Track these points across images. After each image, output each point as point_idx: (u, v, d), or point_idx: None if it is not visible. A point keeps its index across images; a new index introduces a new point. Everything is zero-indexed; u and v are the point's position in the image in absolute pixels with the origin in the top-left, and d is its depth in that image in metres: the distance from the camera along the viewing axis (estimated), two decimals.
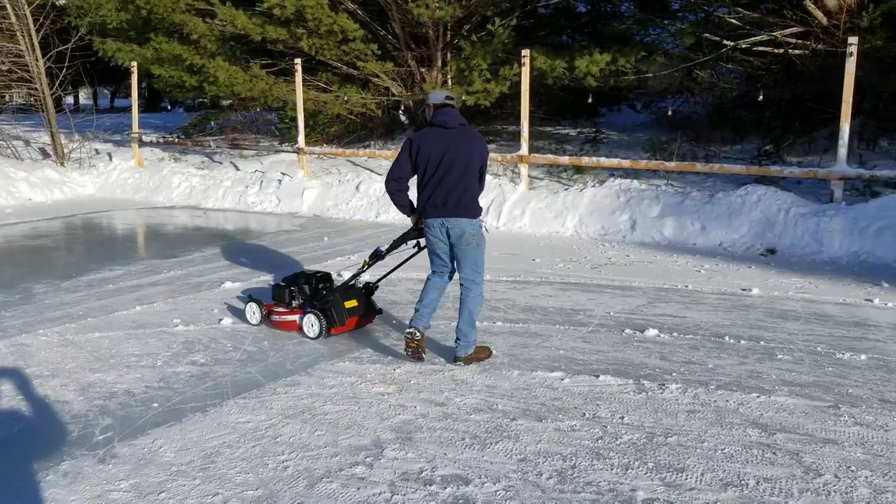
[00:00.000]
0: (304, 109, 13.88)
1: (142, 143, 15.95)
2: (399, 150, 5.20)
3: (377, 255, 5.83)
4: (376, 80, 14.62)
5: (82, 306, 6.74)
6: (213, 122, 19.83)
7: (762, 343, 5.69)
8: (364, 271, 6.00)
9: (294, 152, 13.93)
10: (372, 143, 17.04)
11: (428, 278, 5.34)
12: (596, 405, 4.56)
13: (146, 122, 23.46)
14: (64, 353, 5.49)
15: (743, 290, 7.31)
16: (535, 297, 7.06)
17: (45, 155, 16.44)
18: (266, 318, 6.08)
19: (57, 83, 16.33)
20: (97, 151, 16.78)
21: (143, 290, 7.31)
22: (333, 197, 12.70)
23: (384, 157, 13.56)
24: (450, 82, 14.14)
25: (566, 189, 11.18)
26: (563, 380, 4.95)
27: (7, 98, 16.67)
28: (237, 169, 14.89)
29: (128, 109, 17.80)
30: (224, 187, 13.88)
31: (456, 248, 5.14)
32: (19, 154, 16.08)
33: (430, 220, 5.14)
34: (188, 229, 11.44)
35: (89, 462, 3.84)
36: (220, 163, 15.92)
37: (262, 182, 13.61)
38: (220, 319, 6.31)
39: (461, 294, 5.22)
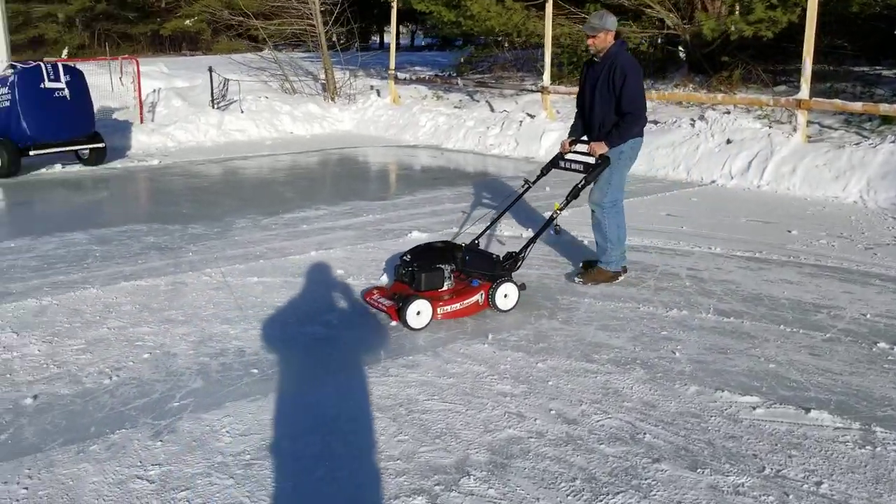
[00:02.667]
0: (563, 45, 12.78)
1: (397, 81, 15.93)
2: (638, 77, 5.04)
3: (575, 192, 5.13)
4: (649, 10, 13.02)
5: (263, 247, 6.53)
6: (472, 61, 19.48)
7: None
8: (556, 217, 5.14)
9: (538, 91, 12.92)
10: None
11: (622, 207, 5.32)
12: (788, 456, 3.19)
13: (432, 61, 23.87)
14: (212, 296, 5.23)
15: None
16: (768, 282, 5.51)
17: (321, 90, 17.11)
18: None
19: (331, 20, 16.85)
20: (372, 87, 17.10)
21: (330, 234, 6.96)
22: None
23: (660, 98, 12.03)
24: (737, 10, 12.05)
25: (857, 145, 8.93)
26: (755, 409, 3.59)
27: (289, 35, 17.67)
28: (492, 109, 14.24)
29: (425, 48, 18.20)
30: (466, 128, 13.36)
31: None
32: (294, 88, 16.95)
33: (642, 139, 5.20)
34: (415, 170, 11.10)
35: (142, 435, 3.40)
36: (478, 101, 15.40)
37: (503, 123, 12.86)
38: (383, 274, 5.69)
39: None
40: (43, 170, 10.61)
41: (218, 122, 13.97)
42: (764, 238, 6.70)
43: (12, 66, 10.04)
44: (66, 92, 10.02)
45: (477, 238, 5.24)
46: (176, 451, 3.27)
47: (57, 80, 9.93)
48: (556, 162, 5.42)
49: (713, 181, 9.35)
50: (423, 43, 39.64)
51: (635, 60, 5.22)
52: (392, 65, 15.81)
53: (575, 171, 5.28)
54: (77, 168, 10.82)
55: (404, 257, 4.77)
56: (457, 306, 4.69)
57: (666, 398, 3.73)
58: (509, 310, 4.84)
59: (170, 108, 15.05)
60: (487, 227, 5.59)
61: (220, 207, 8.20)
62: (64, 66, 10.24)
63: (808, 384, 3.86)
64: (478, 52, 20.68)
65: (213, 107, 14.63)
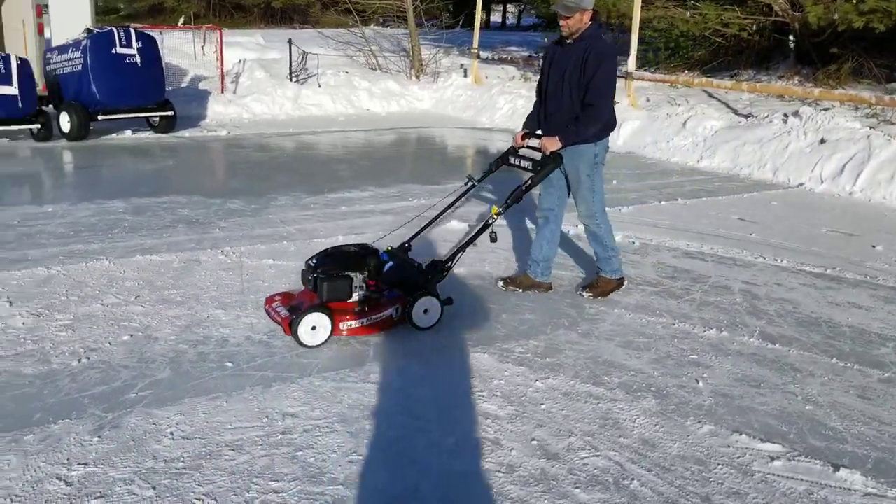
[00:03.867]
0: (658, 29, 12.01)
1: (481, 60, 15.44)
2: (612, 67, 4.44)
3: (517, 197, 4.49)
4: None
5: (294, 227, 6.28)
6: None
7: None
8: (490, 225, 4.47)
9: (622, 77, 12.17)
10: (739, 71, 14.49)
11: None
12: None
13: (531, 41, 23.19)
14: (219, 277, 4.99)
15: None
16: (832, 304, 4.83)
17: (405, 68, 16.79)
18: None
19: None
20: (462, 66, 16.67)
21: (368, 218, 6.64)
22: (654, 132, 10.84)
23: (752, 90, 11.16)
24: None
25: None
26: (773, 460, 3.04)
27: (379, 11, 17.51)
28: None
29: (530, 28, 17.82)
30: None
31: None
32: (379, 65, 16.72)
33: (609, 137, 4.62)
34: (478, 155, 10.64)
35: (83, 428, 3.16)
36: None
37: None
38: None
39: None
40: (113, 135, 10.75)
41: (294, 96, 13.89)
42: (842, 252, 5.96)
43: (88, 31, 10.15)
44: (137, 58, 10.06)
45: (408, 241, 4.65)
46: (109, 450, 3.01)
47: (129, 46, 9.99)
48: (506, 158, 4.74)
49: (801, 184, 8.51)
50: (530, 22, 38.90)
51: (613, 47, 4.67)
52: (475, 43, 15.33)
53: (525, 169, 4.64)
54: (146, 135, 10.91)
55: (309, 261, 4.14)
56: (363, 321, 4.04)
57: (671, 437, 3.21)
58: (430, 327, 4.19)
59: (252, 79, 15.08)
60: (421, 230, 4.82)
61: (268, 183, 8.02)
62: (137, 32, 10.29)
63: (846, 434, 3.25)
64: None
65: (291, 80, 14.55)
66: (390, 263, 4.34)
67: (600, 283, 4.87)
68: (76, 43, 9.96)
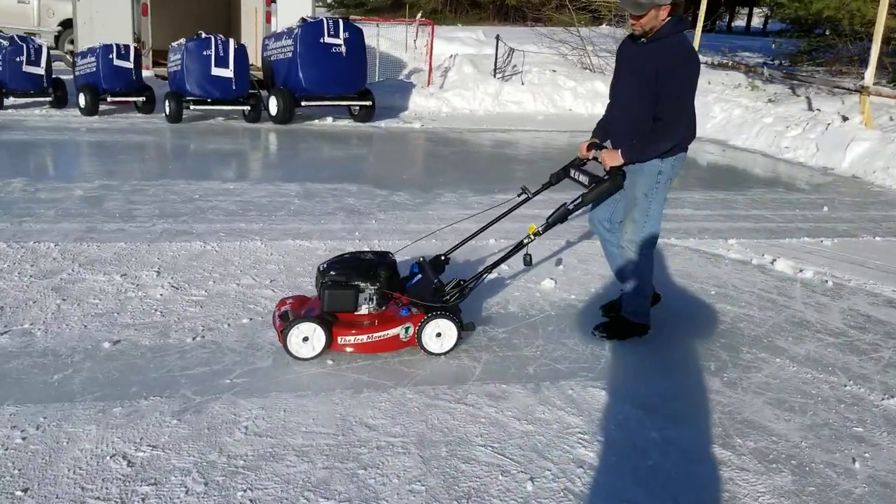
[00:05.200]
0: None
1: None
2: (690, 75, 3.67)
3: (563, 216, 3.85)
4: None
5: (446, 226, 6.10)
6: (809, 51, 17.04)
7: None
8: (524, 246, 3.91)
9: (856, 91, 10.78)
10: None
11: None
12: None
13: (768, 48, 21.50)
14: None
15: None
16: None
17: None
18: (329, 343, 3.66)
19: None
20: None
21: (518, 224, 6.31)
22: (888, 157, 9.46)
23: None
24: None
25: None
26: None
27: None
28: (809, 108, 12.25)
29: (778, 34, 16.76)
30: (762, 124, 11.66)
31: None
32: (591, 65, 16.22)
33: (684, 155, 3.88)
34: None
35: (169, 407, 3.18)
36: (798, 96, 13.40)
37: (806, 124, 10.98)
38: (544, 279, 4.97)
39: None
40: (315, 121, 11.25)
41: (496, 92, 13.80)
42: None
43: (303, 20, 10.68)
44: (343, 48, 10.42)
45: (445, 254, 4.12)
46: (182, 435, 2.98)
47: (336, 36, 10.37)
48: (567, 170, 4.08)
49: None
50: (777, 28, 36.04)
51: (693, 48, 3.80)
52: (695, 46, 14.33)
53: (583, 185, 3.96)
54: (345, 123, 11.31)
55: (321, 266, 3.83)
56: (363, 338, 3.66)
57: None
58: (444, 353, 3.74)
59: (460, 73, 15.22)
60: (463, 242, 4.25)
61: (439, 178, 7.95)
62: (345, 23, 10.66)
63: None
64: (812, 41, 18.10)
65: (495, 76, 14.47)
66: (418, 276, 3.97)
67: (617, 324, 4.13)
68: (289, 31, 10.51)
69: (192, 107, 10.27)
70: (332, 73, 10.38)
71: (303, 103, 10.56)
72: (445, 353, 3.74)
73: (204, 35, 10.15)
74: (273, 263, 4.95)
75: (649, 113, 3.68)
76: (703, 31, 16.50)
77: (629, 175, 3.82)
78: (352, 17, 13.72)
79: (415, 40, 16.09)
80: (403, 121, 11.90)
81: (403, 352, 3.78)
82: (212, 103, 10.30)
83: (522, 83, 14.20)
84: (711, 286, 5.00)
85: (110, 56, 10.28)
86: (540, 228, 3.88)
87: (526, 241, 3.90)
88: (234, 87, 10.20)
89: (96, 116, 10.61)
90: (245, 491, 2.66)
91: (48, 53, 10.76)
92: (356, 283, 3.68)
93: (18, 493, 2.58)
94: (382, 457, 2.92)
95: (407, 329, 3.70)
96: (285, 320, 3.64)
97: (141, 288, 4.42)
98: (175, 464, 2.80)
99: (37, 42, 10.78)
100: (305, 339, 3.58)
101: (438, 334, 3.71)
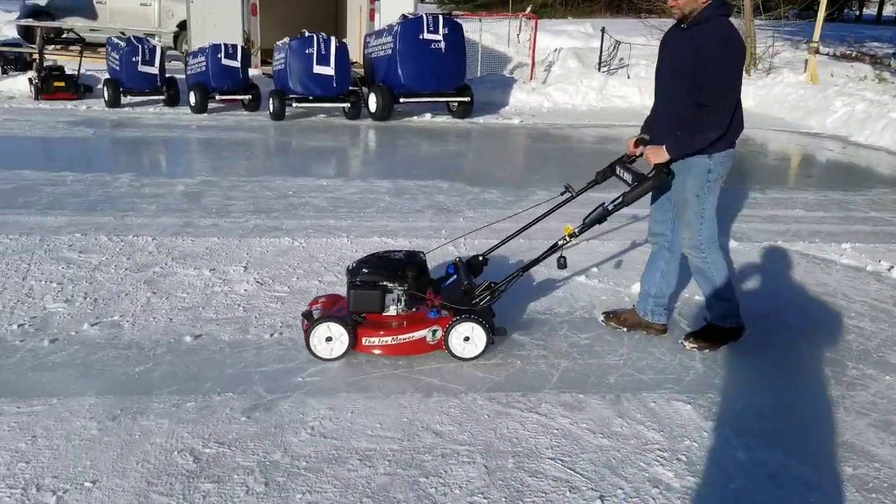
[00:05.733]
0: None
1: (818, 55, 13.59)
2: (734, 58, 3.41)
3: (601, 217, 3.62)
4: None
5: (541, 225, 5.95)
6: None
7: None
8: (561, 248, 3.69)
9: None
10: None
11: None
12: None
13: None
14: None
15: None
16: None
17: None
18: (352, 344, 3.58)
19: None
20: (807, 62, 14.92)
21: (623, 224, 6.09)
22: None
23: None
24: None
25: None
26: None
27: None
28: None
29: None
30: (888, 119, 10.84)
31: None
32: None
33: (733, 151, 3.63)
34: (792, 163, 9.31)
35: (240, 404, 3.20)
36: None
37: None
38: (634, 283, 4.74)
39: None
40: (414, 117, 11.28)
41: (600, 86, 13.45)
42: None
43: (403, 17, 10.72)
44: (442, 44, 10.39)
45: (483, 254, 3.96)
46: (250, 433, 2.99)
47: (435, 31, 10.34)
48: (613, 168, 3.81)
49: None
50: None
51: (736, 32, 3.44)
52: (815, 36, 13.52)
53: (626, 183, 3.66)
54: (443, 119, 11.29)
55: (349, 266, 3.72)
56: (387, 340, 3.55)
57: None
58: (473, 358, 3.57)
59: (564, 68, 14.94)
60: (503, 242, 4.06)
61: (537, 174, 7.80)
62: (445, 18, 10.62)
63: None
64: None
65: (599, 70, 14.11)
66: (453, 277, 3.80)
67: (708, 332, 3.86)
68: (389, 28, 10.57)
69: (294, 104, 10.49)
70: (430, 70, 10.37)
71: (401, 100, 10.60)
72: (474, 359, 3.59)
73: (307, 33, 10.34)
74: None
75: (691, 103, 3.43)
76: (828, 21, 15.55)
77: (678, 177, 3.59)
78: (455, 12, 13.69)
79: (518, 35, 15.89)
80: (503, 116, 11.77)
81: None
82: (313, 101, 10.50)
83: (628, 77, 13.78)
84: (819, 294, 4.64)
85: (219, 56, 10.65)
86: (576, 230, 3.69)
87: (561, 242, 3.71)
88: (334, 85, 10.35)
89: (205, 114, 11.02)
90: (304, 494, 2.63)
91: (162, 54, 11.26)
92: (383, 283, 3.60)
93: (87, 484, 2.63)
94: (446, 465, 2.82)
95: (434, 332, 3.58)
96: (310, 319, 3.59)
97: (227, 283, 4.50)
98: (239, 462, 2.80)
99: (151, 43, 11.29)
100: (329, 338, 3.53)
101: (467, 338, 3.57)
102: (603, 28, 14.50)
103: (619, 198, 3.60)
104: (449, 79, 10.64)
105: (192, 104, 10.86)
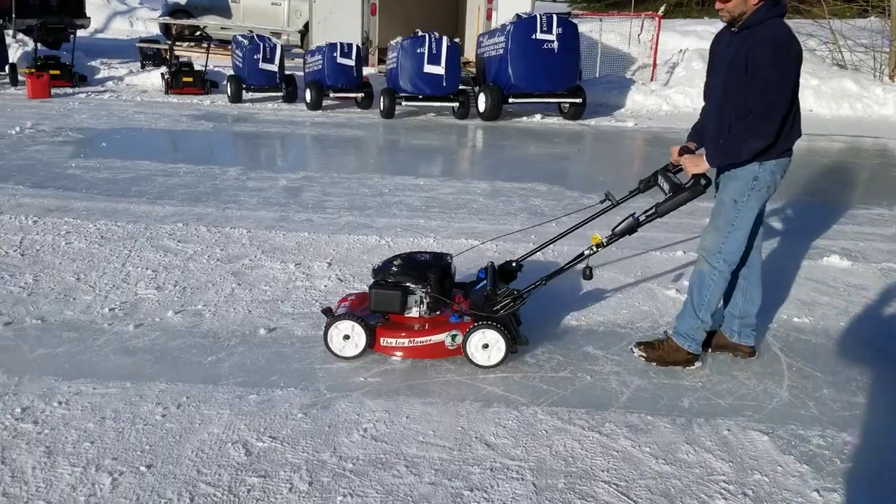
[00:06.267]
0: None
1: None
2: (787, 62, 3.13)
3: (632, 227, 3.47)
4: None
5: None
6: None
7: None
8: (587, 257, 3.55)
9: None
10: None
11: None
12: None
13: None
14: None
15: None
16: None
17: (877, 66, 14.40)
18: (370, 343, 3.56)
19: None
20: None
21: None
22: None
23: None
24: None
25: None
26: None
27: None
28: None
29: None
30: None
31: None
32: (844, 61, 14.61)
33: (787, 161, 3.36)
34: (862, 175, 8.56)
35: (298, 401, 3.22)
36: None
37: None
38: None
39: None
40: (524, 118, 11.16)
41: None
42: None
43: (517, 17, 10.62)
44: (555, 44, 10.23)
45: (517, 260, 3.84)
46: (304, 430, 3.01)
47: (549, 31, 10.19)
48: (656, 176, 3.63)
49: None
50: None
51: (791, 34, 3.10)
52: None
53: (664, 192, 3.43)
54: (553, 120, 11.11)
55: (375, 265, 3.75)
56: (405, 342, 3.50)
57: None
58: (492, 366, 3.46)
59: (689, 69, 14.39)
60: (538, 248, 3.94)
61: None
62: (559, 18, 10.44)
63: None
64: None
65: None
66: (483, 282, 3.68)
67: (665, 347, 3.62)
68: (502, 28, 10.51)
69: (403, 103, 10.61)
70: (541, 70, 10.23)
71: (511, 100, 10.51)
72: (493, 367, 3.48)
73: (420, 33, 10.42)
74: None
75: (741, 110, 3.20)
76: None
77: (724, 180, 3.38)
78: (574, 11, 13.44)
79: (639, 35, 15.43)
80: (616, 119, 11.46)
81: (546, 366, 3.56)
82: (423, 99, 10.57)
83: None
84: None
85: (334, 54, 10.91)
86: (604, 240, 3.52)
87: (587, 252, 3.56)
88: (444, 84, 10.38)
89: (319, 111, 11.33)
90: (345, 496, 2.61)
91: (282, 52, 11.66)
92: (406, 284, 3.58)
93: (143, 468, 2.72)
94: (494, 479, 2.74)
95: (454, 337, 3.51)
96: (329, 316, 3.58)
97: (309, 278, 4.57)
98: (289, 458, 2.82)
99: (272, 41, 11.72)
100: (346, 336, 3.53)
101: (485, 346, 3.47)
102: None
103: (651, 208, 3.45)
104: (561, 79, 10.46)
105: (308, 101, 11.19)
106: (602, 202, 3.73)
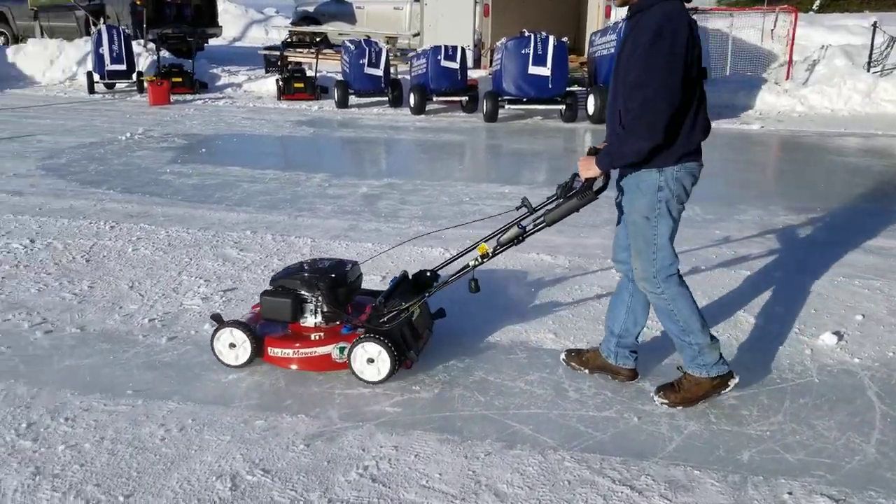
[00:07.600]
0: None
1: None
2: (667, 50, 2.68)
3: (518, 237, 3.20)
4: None
5: (686, 246, 5.21)
6: None
7: None
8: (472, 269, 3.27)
9: None
10: None
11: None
12: None
13: None
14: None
15: None
16: None
17: None
18: (257, 352, 3.40)
19: None
20: None
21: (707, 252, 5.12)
22: None
23: None
24: None
25: None
26: None
27: None
28: None
29: None
30: None
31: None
32: None
33: (694, 165, 2.92)
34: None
35: (304, 431, 3.00)
36: None
37: None
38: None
39: None
40: None
41: (867, 89, 11.66)
42: None
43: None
44: None
45: (431, 270, 3.57)
46: (300, 465, 2.77)
47: None
48: (573, 179, 3.18)
49: None
50: None
51: (676, 22, 2.68)
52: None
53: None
54: None
55: (277, 271, 3.59)
56: (289, 353, 3.33)
57: None
58: (375, 383, 3.23)
59: (829, 67, 13.20)
60: (454, 258, 3.57)
61: (754, 189, 6.90)
62: None
63: None
64: None
65: (869, 70, 12.22)
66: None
67: (684, 385, 3.12)
68: (614, 26, 9.97)
69: (506, 106, 10.27)
70: None
71: None
72: (377, 384, 3.25)
73: (526, 33, 10.05)
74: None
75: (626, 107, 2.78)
76: None
77: (627, 195, 2.98)
78: (700, 7, 12.63)
79: (772, 30, 14.30)
80: (741, 121, 10.62)
81: (590, 403, 3.15)
82: (527, 102, 10.19)
83: None
84: None
85: (438, 57, 10.72)
86: (490, 250, 3.24)
87: (472, 263, 3.28)
88: (549, 86, 9.96)
89: (423, 115, 11.17)
90: None
91: (387, 56, 11.61)
92: (299, 291, 3.36)
93: (121, 498, 2.56)
94: None
95: (342, 349, 3.30)
96: (219, 322, 3.42)
97: None
98: (274, 496, 2.60)
99: (378, 45, 11.69)
100: (232, 345, 3.37)
101: (371, 360, 3.22)
102: (875, 22, 12.54)
103: (540, 217, 3.09)
104: None
105: (412, 105, 11.06)
106: (518, 209, 3.34)
